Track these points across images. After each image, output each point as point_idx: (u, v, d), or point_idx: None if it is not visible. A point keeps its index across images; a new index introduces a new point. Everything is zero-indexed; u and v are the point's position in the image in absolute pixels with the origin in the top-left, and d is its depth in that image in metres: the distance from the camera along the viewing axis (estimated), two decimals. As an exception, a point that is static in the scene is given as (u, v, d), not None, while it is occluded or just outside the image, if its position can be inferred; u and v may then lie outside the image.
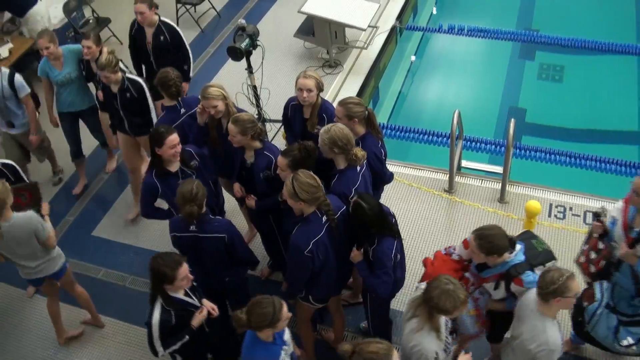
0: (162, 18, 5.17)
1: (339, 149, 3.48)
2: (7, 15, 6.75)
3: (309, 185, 3.17)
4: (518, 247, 3.16)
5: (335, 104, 3.84)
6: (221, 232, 3.50)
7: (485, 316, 3.39)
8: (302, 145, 3.54)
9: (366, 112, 3.75)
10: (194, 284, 3.37)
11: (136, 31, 5.27)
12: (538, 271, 3.09)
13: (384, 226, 3.34)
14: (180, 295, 3.19)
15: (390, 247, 3.33)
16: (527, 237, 3.32)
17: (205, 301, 3.32)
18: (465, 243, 3.28)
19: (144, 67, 5.45)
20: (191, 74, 5.29)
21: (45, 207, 3.90)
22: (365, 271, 3.41)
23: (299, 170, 3.27)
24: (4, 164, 4.15)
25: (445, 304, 2.73)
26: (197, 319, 3.21)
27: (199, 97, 4.12)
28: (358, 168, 3.58)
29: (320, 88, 4.03)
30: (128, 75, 4.74)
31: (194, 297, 3.29)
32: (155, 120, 4.73)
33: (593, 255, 3.53)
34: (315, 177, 3.25)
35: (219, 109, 4.05)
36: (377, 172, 3.79)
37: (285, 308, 2.85)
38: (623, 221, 3.24)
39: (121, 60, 4.79)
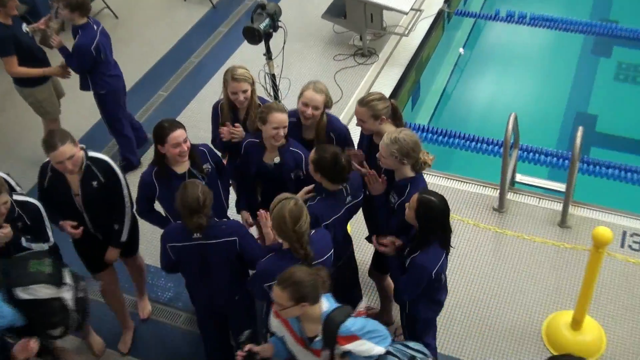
0: (90, 152, 3.98)
1: (410, 159, 3.54)
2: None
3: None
4: None
5: (351, 106, 3.95)
6: (231, 235, 3.59)
7: None
8: (337, 152, 3.56)
9: (390, 106, 3.86)
10: None
11: (51, 181, 3.96)
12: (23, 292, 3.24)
13: (447, 229, 3.42)
14: None
15: (437, 258, 3.39)
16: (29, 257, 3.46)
17: None
18: None
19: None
20: (124, 237, 4.19)
21: None
22: (398, 271, 3.52)
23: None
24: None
25: None
26: None
27: (225, 80, 4.18)
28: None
29: (328, 106, 4.03)
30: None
31: None
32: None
33: None
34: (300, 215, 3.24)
35: (247, 95, 4.15)
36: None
37: None
38: (294, 337, 3.17)
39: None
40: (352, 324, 3.01)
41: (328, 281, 3.07)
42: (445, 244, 3.46)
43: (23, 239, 3.79)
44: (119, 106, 5.71)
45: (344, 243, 3.91)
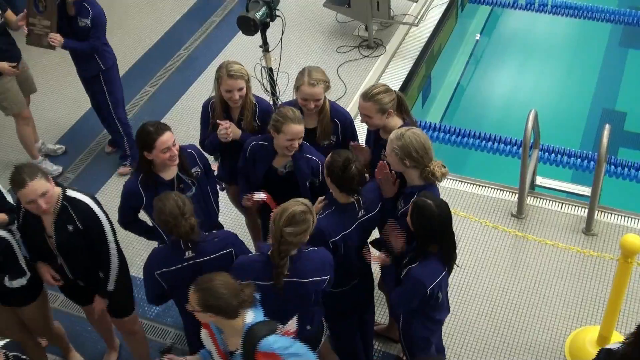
0: (69, 190, 3.78)
1: (413, 161, 3.50)
2: None
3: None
4: None
5: (358, 100, 3.92)
6: (226, 247, 3.58)
7: None
8: (350, 158, 3.51)
9: (396, 98, 3.87)
10: None
11: (25, 218, 3.82)
12: None
13: (446, 239, 3.41)
14: None
15: (435, 273, 3.39)
16: None
17: None
18: None
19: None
20: (111, 286, 3.98)
21: None
22: (392, 281, 3.54)
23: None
24: None
25: None
26: None
27: (218, 77, 4.19)
28: (437, 184, 3.64)
29: (328, 88, 4.07)
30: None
31: None
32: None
33: None
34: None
35: (243, 94, 4.17)
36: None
37: None
38: (217, 350, 3.20)
39: None
40: (275, 340, 2.98)
41: (251, 300, 3.03)
42: (445, 259, 3.44)
43: (6, 279, 3.81)
44: (119, 78, 5.85)
45: (357, 261, 3.84)
